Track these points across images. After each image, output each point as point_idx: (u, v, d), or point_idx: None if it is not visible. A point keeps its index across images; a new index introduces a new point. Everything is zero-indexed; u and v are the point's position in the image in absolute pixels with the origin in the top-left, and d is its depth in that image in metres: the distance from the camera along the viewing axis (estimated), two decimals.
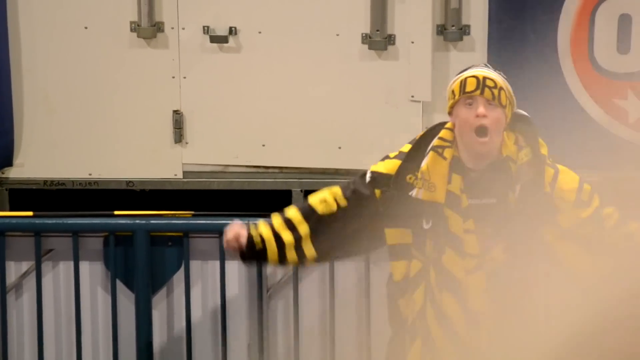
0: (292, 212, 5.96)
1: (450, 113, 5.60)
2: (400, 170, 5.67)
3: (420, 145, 5.70)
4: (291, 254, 5.95)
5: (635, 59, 7.37)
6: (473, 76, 5.52)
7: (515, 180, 5.57)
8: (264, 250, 5.95)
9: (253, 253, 6.00)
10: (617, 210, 5.79)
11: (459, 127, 5.52)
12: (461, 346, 5.69)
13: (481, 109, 5.42)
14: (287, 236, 5.89)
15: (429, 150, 5.64)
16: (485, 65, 5.81)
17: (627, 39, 7.41)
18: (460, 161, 5.52)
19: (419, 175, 5.61)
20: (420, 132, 5.91)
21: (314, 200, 5.91)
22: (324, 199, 5.90)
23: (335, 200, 5.88)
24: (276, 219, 5.89)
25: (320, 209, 5.89)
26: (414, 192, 5.59)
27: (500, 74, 5.67)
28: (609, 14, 7.35)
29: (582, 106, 7.39)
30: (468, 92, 5.51)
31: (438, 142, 5.65)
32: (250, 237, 5.88)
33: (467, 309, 5.64)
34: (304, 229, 5.96)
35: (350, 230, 5.96)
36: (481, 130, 5.40)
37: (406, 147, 5.77)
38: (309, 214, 5.95)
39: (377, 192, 5.76)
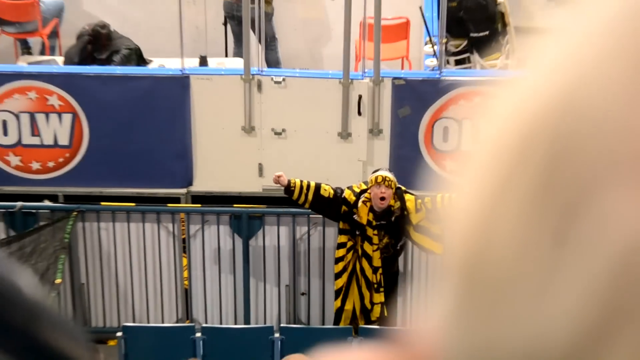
0: (313, 183, 9.06)
1: (368, 188, 9.00)
2: (352, 205, 9.13)
3: (358, 195, 9.11)
4: (300, 199, 9.07)
5: (450, 144, 10.08)
6: (381, 175, 8.94)
7: (393, 213, 9.09)
8: (292, 190, 9.02)
9: (287, 189, 9.05)
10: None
11: (373, 195, 8.93)
12: (366, 279, 9.32)
13: (382, 189, 8.87)
14: (303, 190, 9.01)
15: (360, 200, 9.09)
16: (388, 169, 9.14)
17: (447, 135, 10.09)
18: (372, 207, 9.01)
19: (355, 210, 9.10)
20: (359, 187, 9.15)
21: (323, 185, 9.12)
22: (327, 187, 9.11)
23: (330, 190, 9.13)
24: (306, 181, 9.05)
25: (322, 188, 9.10)
26: (355, 217, 9.16)
27: (391, 171, 9.06)
28: (439, 124, 10.07)
29: (430, 166, 10.01)
30: (378, 182, 8.89)
31: (363, 197, 9.06)
32: (289, 181, 9.01)
33: (372, 265, 9.25)
34: (312, 192, 9.04)
35: (326, 206, 9.19)
36: (382, 199, 8.90)
37: (355, 189, 9.09)
38: (317, 187, 9.05)
39: (343, 207, 9.16)
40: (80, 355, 1.02)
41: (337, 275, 9.41)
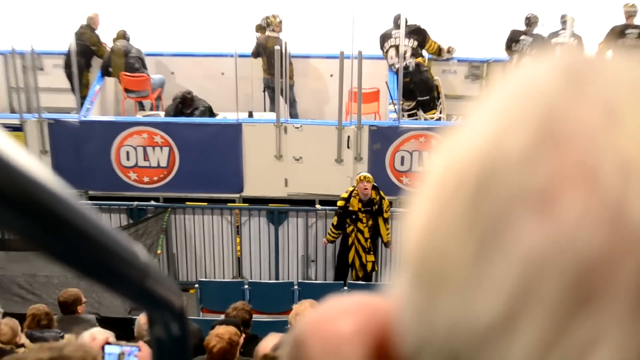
0: (331, 225, 9.12)
1: (356, 186, 8.83)
2: (345, 202, 8.88)
3: (349, 195, 8.88)
4: (332, 236, 9.15)
5: (405, 167, 9.71)
6: (363, 175, 8.83)
7: (375, 204, 8.88)
8: (331, 240, 9.26)
9: (329, 241, 9.31)
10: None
11: (359, 189, 8.74)
12: (361, 246, 9.04)
13: (364, 184, 8.73)
14: (331, 233, 9.14)
15: (353, 195, 8.83)
16: (368, 173, 9.02)
17: (403, 161, 9.70)
18: (360, 199, 8.85)
19: (349, 204, 8.84)
20: (350, 188, 8.97)
21: (333, 220, 9.08)
22: (334, 219, 9.05)
23: (335, 218, 9.03)
24: (329, 229, 9.18)
25: (333, 222, 9.08)
26: (349, 207, 8.87)
27: (370, 174, 8.87)
28: (399, 154, 9.76)
29: (393, 181, 9.94)
30: (361, 179, 8.75)
31: (354, 193, 8.83)
32: (327, 240, 9.25)
33: (364, 236, 9.02)
34: (332, 229, 9.07)
35: (342, 218, 8.95)
36: (365, 189, 8.72)
37: (345, 195, 8.95)
38: (333, 225, 9.07)
39: (343, 203, 8.86)
40: (174, 297, 1.03)
41: (344, 246, 9.23)
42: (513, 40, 10.67)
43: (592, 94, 0.41)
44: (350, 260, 9.20)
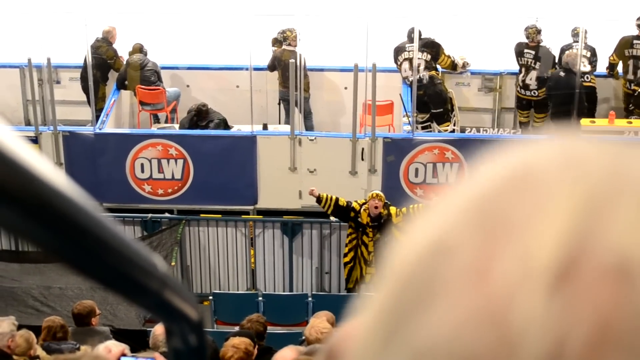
0: (334, 196, 8.75)
1: (367, 201, 8.71)
2: (357, 212, 8.75)
3: (361, 206, 8.73)
4: (325, 205, 8.80)
5: (419, 179, 9.82)
6: (375, 192, 8.78)
7: (382, 218, 8.67)
8: (321, 199, 8.79)
9: (318, 199, 8.82)
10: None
11: (369, 205, 8.64)
12: (364, 258, 8.89)
13: (375, 202, 8.62)
14: (328, 201, 8.76)
15: (362, 209, 8.71)
16: (379, 190, 8.97)
17: (417, 173, 9.78)
18: (369, 213, 8.69)
19: (359, 215, 8.73)
20: (362, 201, 8.83)
21: (340, 198, 8.76)
22: (342, 199, 8.75)
23: (344, 202, 8.75)
24: (330, 195, 8.76)
25: (340, 200, 8.74)
26: (359, 219, 8.77)
27: (381, 191, 8.86)
28: (413, 166, 9.89)
29: (406, 192, 9.92)
30: (373, 197, 8.67)
31: (364, 207, 8.71)
32: (319, 194, 8.77)
33: (367, 250, 8.85)
34: (333, 201, 8.75)
35: (341, 211, 8.84)
36: (375, 207, 8.62)
37: (358, 205, 8.76)
38: (337, 199, 8.74)
39: (352, 213, 8.77)
40: (192, 309, 1.02)
41: (346, 255, 9.12)
42: (519, 55, 10.63)
43: (538, 189, 0.40)
44: (347, 270, 9.16)
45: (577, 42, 10.46)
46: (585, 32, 10.42)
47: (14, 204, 0.54)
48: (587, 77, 10.21)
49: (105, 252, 0.68)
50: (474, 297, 0.38)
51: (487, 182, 0.42)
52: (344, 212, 8.95)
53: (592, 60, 10.37)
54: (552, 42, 10.67)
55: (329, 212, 9.06)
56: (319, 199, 8.90)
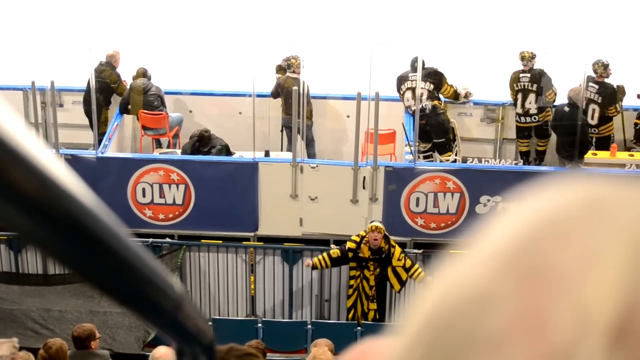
0: (325, 253, 8.85)
1: (367, 234, 8.72)
2: (356, 247, 8.79)
3: (360, 240, 8.78)
4: (324, 267, 8.95)
5: (420, 208, 9.79)
6: (374, 225, 8.75)
7: (383, 252, 8.71)
8: (316, 267, 8.95)
9: (314, 267, 9.02)
10: (419, 267, 8.64)
11: (369, 238, 8.65)
12: (365, 294, 8.94)
13: (375, 234, 8.63)
14: (323, 262, 8.86)
15: (363, 243, 8.73)
16: (379, 221, 8.96)
17: (419, 202, 9.81)
18: (370, 247, 8.72)
19: (359, 250, 8.76)
20: (362, 233, 8.85)
21: (332, 251, 8.87)
22: (335, 250, 8.87)
23: (337, 252, 8.83)
24: (322, 255, 8.84)
25: (332, 253, 8.84)
26: (360, 254, 8.79)
27: (381, 222, 8.86)
28: (414, 195, 10.01)
29: (407, 222, 9.91)
30: (372, 230, 8.67)
31: (365, 240, 8.74)
32: (313, 263, 8.91)
33: (369, 284, 8.91)
34: (327, 259, 8.85)
35: (338, 261, 8.90)
36: (375, 240, 8.65)
37: (356, 238, 8.80)
38: (329, 254, 8.84)
39: (350, 254, 8.78)
40: (204, 331, 1.01)
41: (349, 295, 9.14)
42: (515, 81, 10.67)
43: (579, 238, 0.39)
44: (350, 303, 9.17)
45: (590, 76, 10.35)
46: (606, 67, 10.31)
47: (49, 220, 0.54)
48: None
49: (126, 270, 0.68)
50: (530, 351, 0.37)
51: (519, 230, 0.41)
52: (342, 261, 8.95)
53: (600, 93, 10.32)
54: (559, 79, 10.57)
55: (329, 267, 9.14)
56: (314, 267, 9.00)
